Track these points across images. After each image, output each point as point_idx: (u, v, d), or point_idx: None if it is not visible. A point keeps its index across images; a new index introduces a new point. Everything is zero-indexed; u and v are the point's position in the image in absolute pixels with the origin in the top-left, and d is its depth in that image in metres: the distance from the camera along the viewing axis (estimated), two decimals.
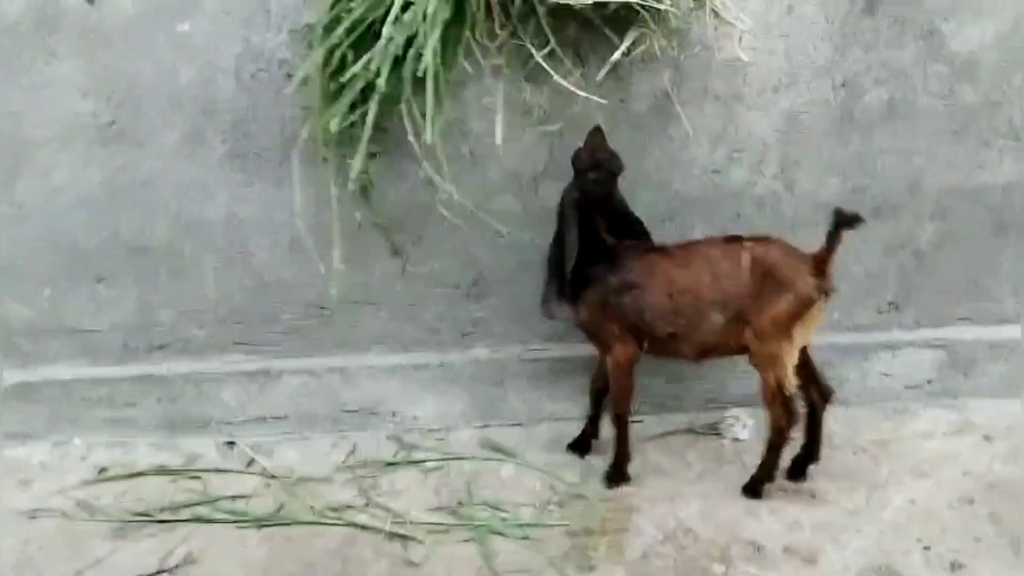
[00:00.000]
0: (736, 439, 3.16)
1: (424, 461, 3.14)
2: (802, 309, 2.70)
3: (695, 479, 3.00)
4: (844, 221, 2.63)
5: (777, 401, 2.78)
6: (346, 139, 2.88)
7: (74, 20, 2.89)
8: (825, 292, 2.72)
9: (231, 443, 3.25)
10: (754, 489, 2.89)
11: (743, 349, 2.81)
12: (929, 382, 3.30)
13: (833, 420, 3.18)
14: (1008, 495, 2.86)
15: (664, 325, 2.81)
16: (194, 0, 2.88)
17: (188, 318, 3.21)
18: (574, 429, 3.21)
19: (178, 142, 3.02)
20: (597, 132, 2.79)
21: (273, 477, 3.07)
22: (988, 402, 3.29)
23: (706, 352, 2.86)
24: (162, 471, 3.12)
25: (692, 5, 2.77)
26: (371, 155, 2.89)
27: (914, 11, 2.94)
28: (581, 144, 2.80)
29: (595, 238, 2.82)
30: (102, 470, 3.13)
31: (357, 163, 2.78)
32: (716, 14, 2.74)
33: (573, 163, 2.80)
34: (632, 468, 3.01)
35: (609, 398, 2.99)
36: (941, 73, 3.01)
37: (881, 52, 2.98)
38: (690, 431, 3.22)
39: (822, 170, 3.10)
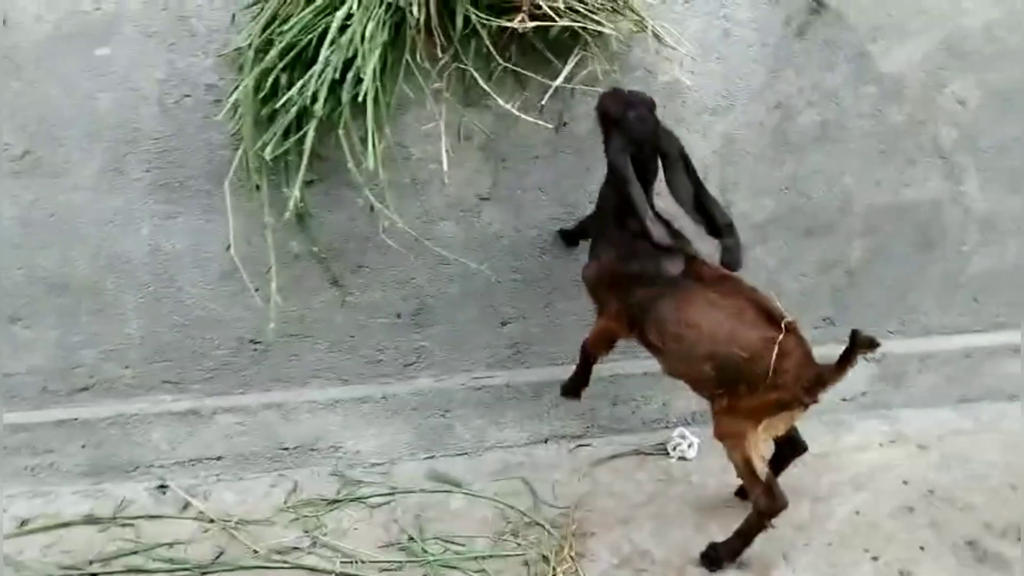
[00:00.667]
0: (683, 458, 3.17)
1: (370, 496, 3.04)
2: (777, 411, 2.57)
3: (646, 500, 2.99)
4: (862, 344, 2.42)
5: (753, 483, 2.64)
6: (279, 166, 2.78)
7: None
8: (805, 405, 2.57)
9: (163, 487, 3.09)
10: (712, 560, 2.73)
11: (712, 399, 2.67)
12: (863, 394, 3.38)
13: None
14: (945, 502, 2.95)
15: (657, 336, 2.65)
16: (114, 23, 2.73)
17: (112, 358, 3.04)
18: (522, 456, 3.19)
19: (97, 172, 2.86)
20: (614, 89, 2.66)
21: (211, 521, 2.93)
22: (919, 412, 3.39)
23: (677, 379, 2.76)
24: (90, 520, 2.94)
25: (633, 29, 2.77)
26: (307, 183, 2.79)
27: (844, 34, 3.01)
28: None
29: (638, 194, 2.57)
30: (23, 522, 2.93)
31: (295, 192, 2.68)
32: (658, 38, 2.75)
33: (604, 116, 2.62)
34: (583, 491, 3.00)
35: (584, 340, 2.85)
36: (870, 94, 3.08)
37: (813, 74, 3.04)
38: (638, 452, 3.21)
39: (758, 191, 3.14)
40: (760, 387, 2.52)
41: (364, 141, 2.63)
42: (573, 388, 2.96)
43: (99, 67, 2.76)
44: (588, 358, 2.90)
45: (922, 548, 2.77)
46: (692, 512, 2.94)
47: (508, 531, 2.87)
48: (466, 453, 3.24)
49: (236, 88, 2.69)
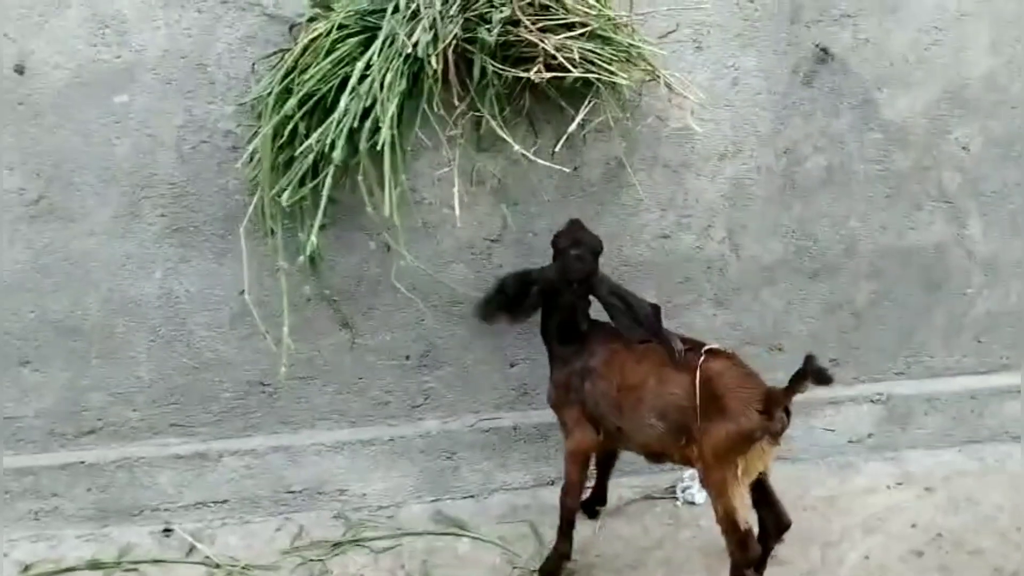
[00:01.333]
0: (691, 503, 3.17)
1: (376, 539, 3.02)
2: (742, 444, 2.51)
3: (654, 545, 2.99)
4: (813, 373, 2.41)
5: (731, 534, 2.59)
6: (294, 211, 2.80)
7: (2, 91, 2.72)
8: (771, 432, 2.52)
9: (168, 531, 3.07)
10: None
11: (685, 456, 2.67)
12: (870, 436, 3.39)
13: (782, 477, 3.22)
14: (953, 545, 2.95)
15: (612, 418, 2.72)
16: (134, 71, 2.77)
17: (120, 401, 3.04)
18: (527, 499, 3.19)
19: (112, 217, 2.87)
20: (576, 221, 2.78)
21: (217, 566, 2.91)
22: (925, 453, 3.40)
23: (655, 455, 2.75)
24: (94, 565, 2.92)
25: (646, 78, 2.81)
26: (320, 227, 2.80)
27: (849, 82, 3.06)
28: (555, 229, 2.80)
29: (571, 319, 2.77)
30: (25, 568, 2.90)
31: (312, 238, 2.70)
32: (669, 87, 2.79)
33: (554, 244, 2.76)
34: (592, 535, 2.99)
35: (562, 489, 2.85)
36: (875, 140, 3.13)
37: (819, 121, 3.09)
38: (646, 497, 3.20)
39: (766, 234, 3.17)
40: (711, 419, 2.52)
41: (381, 186, 2.66)
42: (551, 566, 2.85)
43: (117, 114, 2.80)
44: (567, 512, 2.84)
45: None
46: (701, 557, 2.93)
47: None
48: (472, 496, 3.23)
49: (255, 135, 2.72)
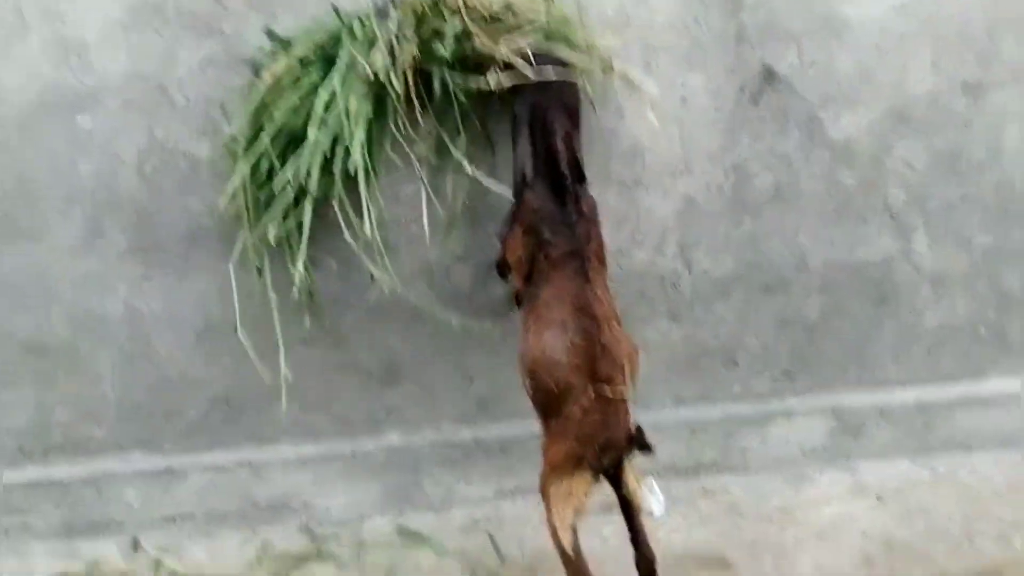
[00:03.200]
0: (651, 515, 3.22)
1: (340, 552, 3.07)
2: (576, 467, 2.39)
3: (613, 558, 3.02)
4: (638, 444, 2.36)
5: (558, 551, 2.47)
6: (281, 245, 2.90)
7: None
8: (599, 473, 2.41)
9: (136, 545, 3.11)
10: None
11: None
12: (823, 447, 3.45)
13: (739, 488, 3.34)
14: (903, 554, 3.01)
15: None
16: (95, 93, 2.84)
17: (86, 417, 3.09)
18: (489, 511, 3.24)
19: (75, 236, 2.94)
20: None
21: None
22: (878, 463, 3.45)
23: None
24: None
25: (601, 67, 2.86)
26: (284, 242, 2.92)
27: (796, 101, 3.15)
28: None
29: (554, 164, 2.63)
30: None
31: (299, 268, 2.81)
32: (626, 77, 2.88)
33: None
34: (550, 547, 3.03)
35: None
36: (822, 158, 3.21)
37: (767, 139, 3.17)
38: (606, 510, 3.24)
39: (717, 250, 3.25)
40: (561, 425, 2.41)
41: (357, 211, 2.76)
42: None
43: (80, 135, 2.87)
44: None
45: None
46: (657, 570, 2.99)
47: None
48: (434, 509, 3.28)
49: (233, 176, 2.81)
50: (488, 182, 2.87)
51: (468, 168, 2.83)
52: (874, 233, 3.32)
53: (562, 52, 2.74)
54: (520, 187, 2.70)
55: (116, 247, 2.97)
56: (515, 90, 2.71)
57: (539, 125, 2.66)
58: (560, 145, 2.64)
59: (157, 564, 3.04)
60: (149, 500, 3.15)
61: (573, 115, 2.71)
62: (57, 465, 3.11)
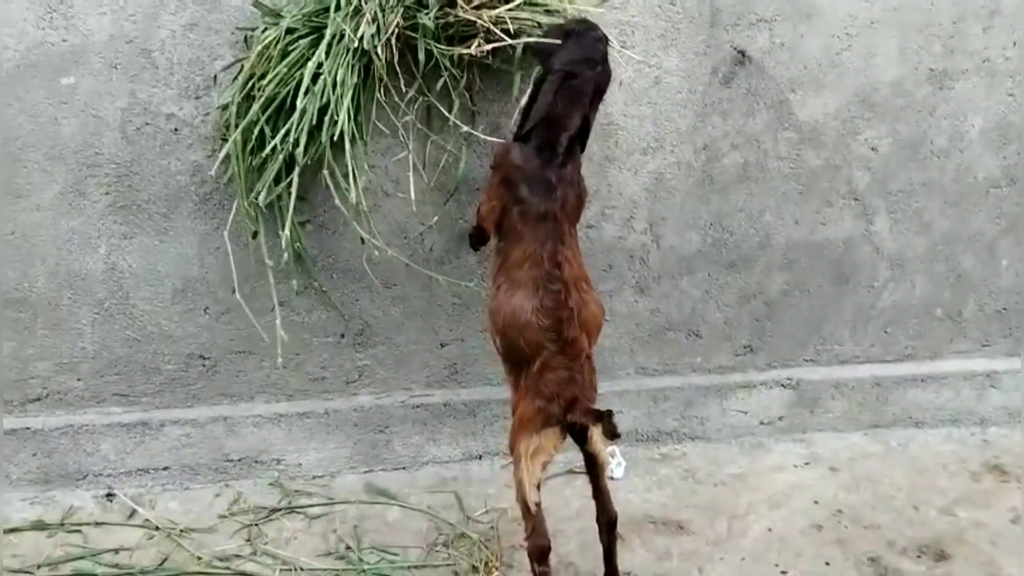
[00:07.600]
0: (611, 478, 3.34)
1: (310, 507, 3.18)
2: (544, 424, 2.46)
3: (573, 516, 3.15)
4: (606, 426, 2.39)
5: (520, 505, 2.56)
6: (272, 210, 2.98)
7: None
8: (566, 427, 2.47)
9: (111, 495, 3.21)
10: None
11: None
12: (780, 418, 3.58)
13: (697, 455, 3.48)
14: (852, 520, 3.15)
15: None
16: (80, 54, 2.87)
17: (65, 370, 3.16)
18: (456, 471, 3.36)
19: (58, 194, 2.99)
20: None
21: (156, 529, 3.05)
22: (832, 435, 3.61)
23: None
24: (38, 526, 3.04)
25: None
26: (302, 223, 3.07)
27: (765, 83, 3.23)
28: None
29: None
30: None
31: (285, 233, 2.89)
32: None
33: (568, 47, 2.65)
34: (513, 506, 3.15)
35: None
36: (789, 139, 3.31)
37: (737, 120, 3.26)
38: (570, 471, 3.35)
39: (685, 226, 3.34)
40: (530, 383, 2.49)
41: (345, 177, 2.83)
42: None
43: (64, 95, 2.91)
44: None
45: (828, 563, 2.95)
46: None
47: (441, 542, 3.02)
48: (403, 468, 3.40)
49: (225, 142, 2.89)
50: (486, 138, 2.98)
51: (462, 127, 2.92)
52: (837, 214, 3.43)
53: (543, 20, 2.80)
54: (515, 136, 2.75)
55: (98, 206, 3.02)
56: (546, 53, 2.69)
57: (570, 92, 2.61)
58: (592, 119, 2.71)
59: (131, 514, 3.13)
60: (124, 452, 3.23)
61: (599, 94, 2.74)
62: (35, 415, 3.19)
